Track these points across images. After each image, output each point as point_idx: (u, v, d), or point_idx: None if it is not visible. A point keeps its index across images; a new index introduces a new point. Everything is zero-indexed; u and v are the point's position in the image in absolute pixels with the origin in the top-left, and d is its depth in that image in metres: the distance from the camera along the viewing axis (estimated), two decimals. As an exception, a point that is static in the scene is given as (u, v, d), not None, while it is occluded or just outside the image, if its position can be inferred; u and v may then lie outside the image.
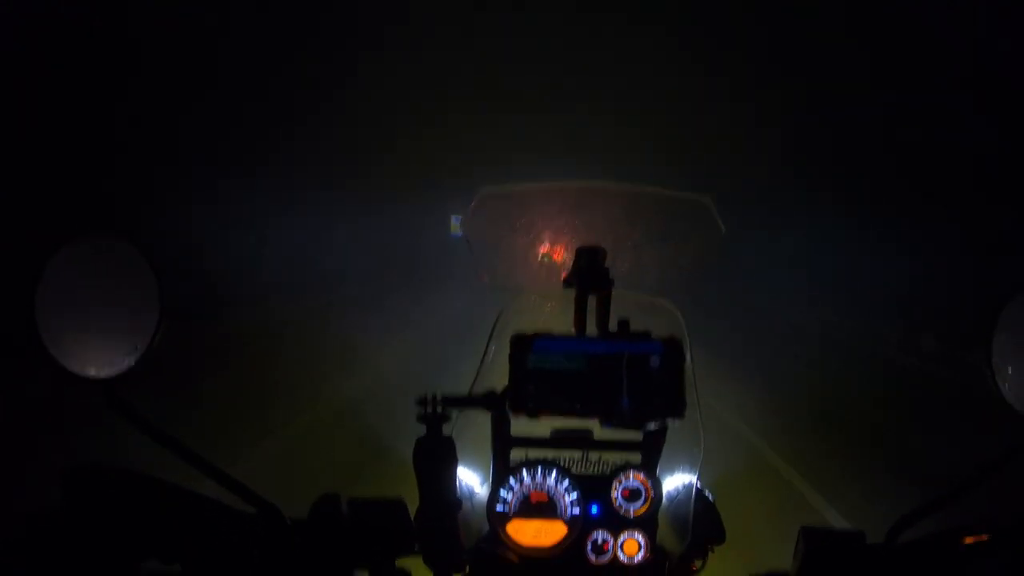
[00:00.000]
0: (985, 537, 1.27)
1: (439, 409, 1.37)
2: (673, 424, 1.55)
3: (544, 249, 1.58)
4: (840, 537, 1.34)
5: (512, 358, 1.43)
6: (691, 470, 1.59)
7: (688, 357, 1.45)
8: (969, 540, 1.28)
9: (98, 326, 1.33)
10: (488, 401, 1.44)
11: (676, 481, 1.60)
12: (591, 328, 1.52)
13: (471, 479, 1.63)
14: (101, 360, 1.31)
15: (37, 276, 1.29)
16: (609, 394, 1.42)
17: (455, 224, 26.49)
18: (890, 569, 1.28)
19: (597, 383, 1.42)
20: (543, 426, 1.55)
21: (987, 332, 1.30)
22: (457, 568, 1.34)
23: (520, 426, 1.54)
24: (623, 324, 1.47)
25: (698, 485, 1.58)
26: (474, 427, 1.56)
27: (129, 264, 1.33)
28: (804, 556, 1.32)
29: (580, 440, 1.56)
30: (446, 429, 1.35)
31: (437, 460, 1.32)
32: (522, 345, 1.43)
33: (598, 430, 1.56)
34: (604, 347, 1.44)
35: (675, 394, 1.43)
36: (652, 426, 1.51)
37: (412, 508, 1.33)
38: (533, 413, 1.43)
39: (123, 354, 1.31)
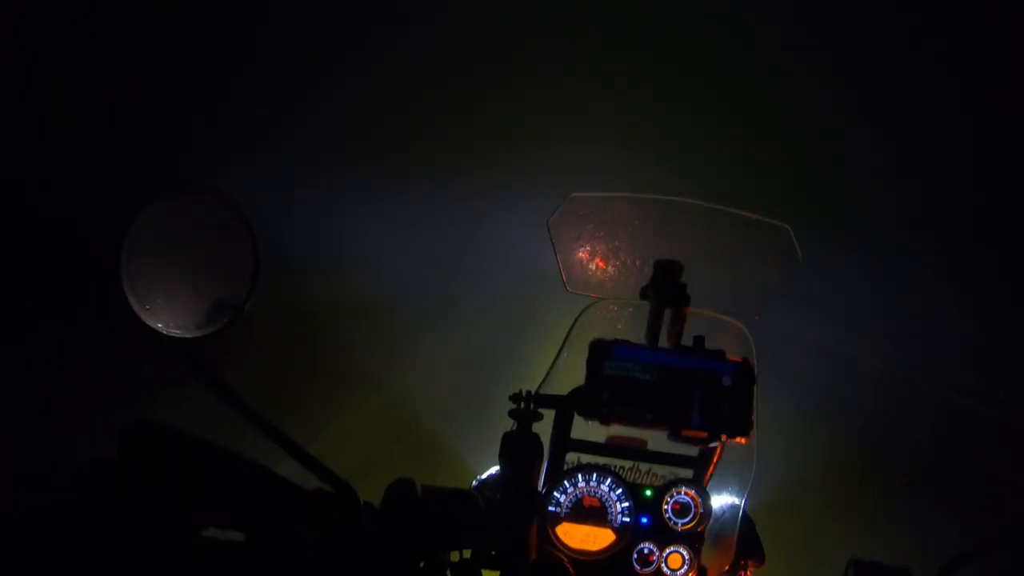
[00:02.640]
0: None
1: (532, 406, 1.37)
2: (729, 445, 1.57)
3: (624, 258, 1.59)
4: (888, 571, 1.37)
5: (590, 363, 1.44)
6: (739, 492, 1.61)
7: (757, 381, 1.48)
8: None
9: (186, 284, 1.30)
10: (578, 403, 1.45)
11: (722, 501, 1.62)
12: (663, 341, 1.54)
13: None
14: (183, 319, 1.28)
15: (126, 226, 1.27)
16: (680, 408, 1.44)
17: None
18: None
19: (669, 396, 1.44)
20: (598, 431, 1.56)
21: None
22: (525, 566, 1.35)
23: (577, 430, 1.55)
24: (698, 340, 1.49)
25: (744, 507, 1.61)
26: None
27: (225, 225, 1.30)
28: None
29: (634, 450, 1.58)
30: (536, 428, 1.36)
31: (525, 456, 1.33)
32: (601, 351, 1.44)
33: (652, 441, 1.58)
34: (679, 361, 1.46)
35: (743, 414, 1.45)
36: (712, 444, 1.53)
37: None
38: (606, 420, 1.44)
39: (209, 316, 1.29)
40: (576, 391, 1.46)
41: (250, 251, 1.29)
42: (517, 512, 1.31)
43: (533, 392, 1.41)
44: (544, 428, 1.55)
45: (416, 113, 3.46)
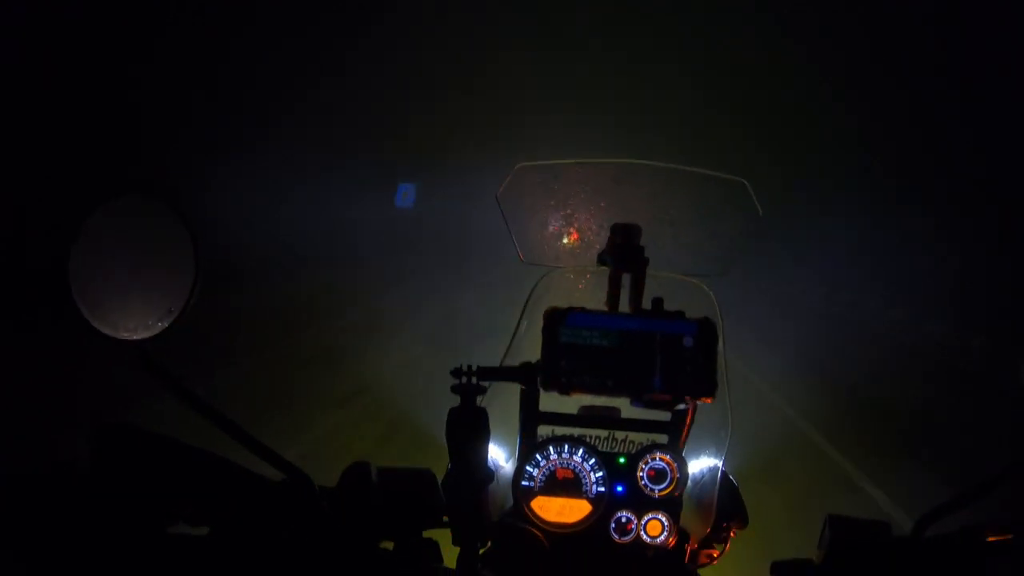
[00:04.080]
0: (1010, 536, 1.27)
1: (474, 380, 1.36)
2: (702, 407, 1.55)
3: (579, 225, 1.57)
4: (866, 527, 1.34)
5: (545, 332, 1.42)
6: (717, 454, 1.59)
7: (720, 340, 1.45)
8: (993, 538, 1.27)
9: (133, 287, 1.32)
10: (523, 373, 1.44)
11: (701, 464, 1.60)
12: (624, 306, 1.52)
13: (497, 454, 1.63)
14: (135, 322, 1.30)
15: (72, 236, 1.28)
16: (641, 372, 1.42)
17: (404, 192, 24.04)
18: (914, 561, 1.28)
19: (629, 361, 1.42)
20: (570, 403, 1.55)
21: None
22: (484, 542, 1.34)
23: (548, 402, 1.54)
24: (657, 303, 1.46)
25: (723, 469, 1.58)
26: (501, 402, 1.56)
27: (165, 225, 1.32)
28: (829, 544, 1.31)
29: (607, 419, 1.56)
30: (479, 401, 1.35)
31: (470, 431, 1.32)
32: (556, 319, 1.42)
33: (626, 409, 1.56)
34: (638, 325, 1.43)
35: (707, 375, 1.42)
36: (681, 407, 1.51)
37: (440, 479, 1.33)
38: (565, 390, 1.42)
39: (158, 316, 1.31)
40: (526, 365, 1.44)
41: (190, 248, 1.31)
42: (465, 487, 1.30)
43: (485, 367, 1.40)
44: (512, 403, 1.55)
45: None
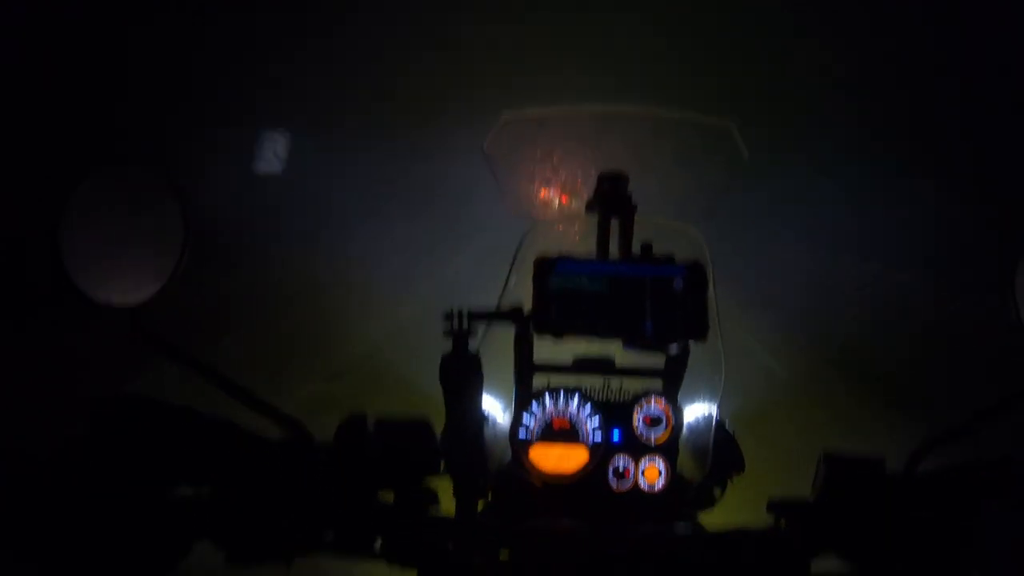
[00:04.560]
0: (1002, 469, 1.28)
1: (466, 324, 1.37)
2: (695, 351, 1.55)
3: (567, 175, 1.57)
4: (860, 463, 1.35)
5: (535, 280, 1.43)
6: (712, 399, 1.60)
7: (711, 284, 1.45)
8: (986, 472, 1.28)
9: (122, 254, 1.33)
10: (515, 316, 1.45)
11: (697, 410, 1.61)
12: (614, 253, 1.52)
13: (494, 407, 1.64)
14: (125, 288, 1.32)
15: (62, 206, 1.29)
16: (631, 316, 1.42)
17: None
18: (908, 496, 1.29)
19: (620, 305, 1.42)
20: (565, 353, 1.56)
21: (1010, 263, 1.29)
22: (481, 488, 1.36)
23: (542, 353, 1.55)
24: (646, 248, 1.47)
25: (718, 414, 1.59)
26: (496, 356, 1.57)
27: (153, 192, 1.33)
28: (824, 480, 1.33)
29: (602, 366, 1.57)
30: (472, 345, 1.36)
31: (463, 376, 1.33)
32: (545, 267, 1.42)
33: (620, 357, 1.57)
34: (627, 269, 1.44)
35: (698, 317, 1.43)
36: (673, 350, 1.51)
37: (439, 428, 1.34)
38: (557, 333, 1.43)
39: (147, 282, 1.32)
40: (518, 306, 1.45)
41: (178, 214, 1.32)
42: (461, 431, 1.32)
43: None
44: (507, 357, 1.56)
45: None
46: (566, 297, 1.42)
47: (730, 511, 1.63)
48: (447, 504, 1.32)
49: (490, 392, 1.63)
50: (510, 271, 1.53)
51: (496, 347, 1.56)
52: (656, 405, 1.53)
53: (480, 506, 1.43)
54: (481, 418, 1.33)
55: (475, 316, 1.38)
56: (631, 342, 1.45)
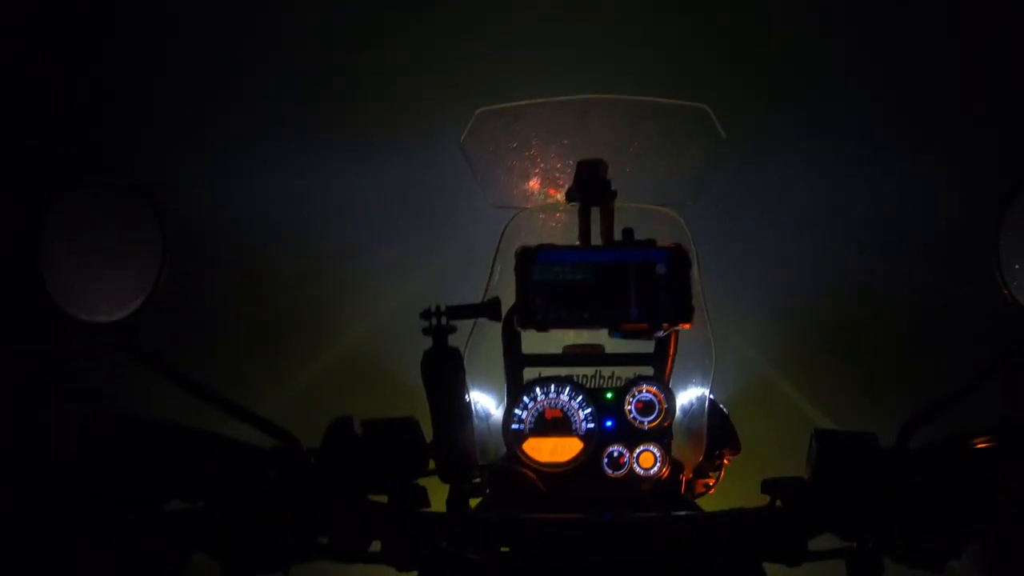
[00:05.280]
0: (995, 440, 1.28)
1: (444, 320, 1.36)
2: (684, 337, 1.56)
3: (545, 165, 1.57)
4: (852, 439, 1.35)
5: (518, 271, 1.42)
6: (704, 383, 1.60)
7: (695, 266, 1.45)
8: (979, 442, 1.28)
9: (103, 270, 1.33)
10: (491, 309, 1.44)
11: (690, 394, 1.61)
12: (596, 241, 1.52)
13: (486, 401, 1.64)
14: (107, 304, 1.31)
15: (41, 223, 1.29)
16: (616, 303, 1.42)
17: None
18: (902, 471, 1.30)
19: (604, 292, 1.42)
20: (555, 344, 1.56)
21: (994, 228, 1.28)
22: (472, 479, 1.36)
23: (532, 345, 1.55)
24: (627, 233, 1.46)
25: (711, 397, 1.59)
26: (485, 350, 1.57)
27: (131, 206, 1.33)
28: (817, 458, 1.33)
29: (592, 356, 1.57)
30: (452, 341, 1.35)
31: (445, 372, 1.32)
32: (527, 258, 1.42)
33: (609, 345, 1.57)
34: (609, 256, 1.44)
35: (682, 300, 1.43)
36: (661, 334, 1.51)
37: (426, 426, 1.34)
38: (543, 327, 1.43)
39: (130, 296, 1.31)
40: (494, 300, 1.45)
41: (157, 228, 1.32)
42: (446, 426, 1.31)
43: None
44: (496, 351, 1.56)
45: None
46: (549, 288, 1.42)
47: (729, 494, 1.64)
48: (442, 502, 1.31)
49: (481, 387, 1.63)
50: (493, 263, 1.53)
51: (484, 341, 1.56)
52: (648, 391, 1.54)
53: (477, 501, 1.43)
54: (467, 413, 1.33)
55: (453, 311, 1.38)
56: (617, 330, 1.45)
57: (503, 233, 1.54)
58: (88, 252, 1.33)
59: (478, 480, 1.39)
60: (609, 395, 1.54)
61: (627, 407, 1.53)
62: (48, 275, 1.27)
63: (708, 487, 1.64)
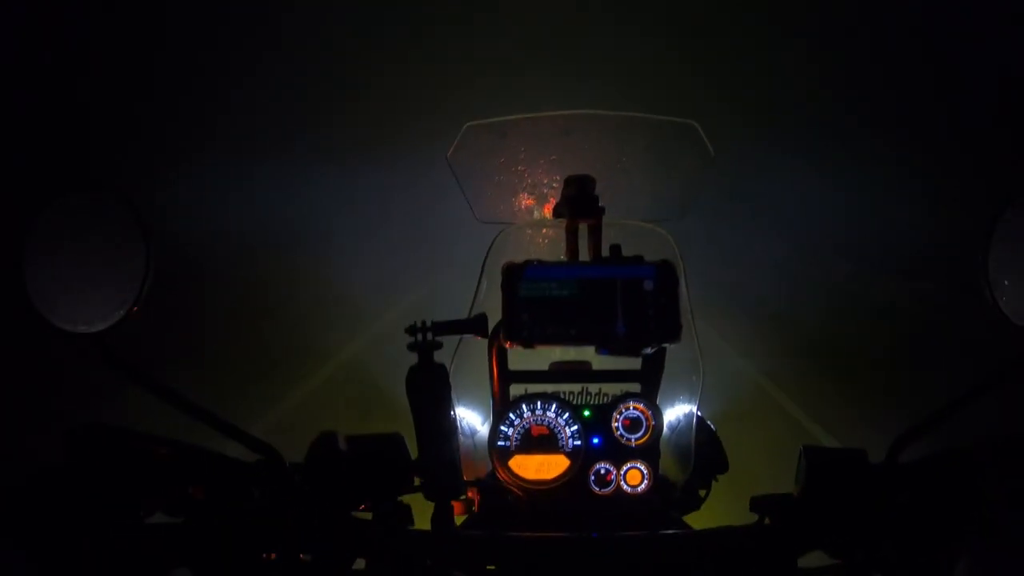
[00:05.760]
0: (984, 455, 1.27)
1: (429, 336, 1.35)
2: (671, 354, 1.55)
3: (533, 180, 1.56)
4: (841, 456, 1.34)
5: (504, 287, 1.41)
6: (691, 400, 1.59)
7: (683, 283, 1.44)
8: (968, 458, 1.28)
9: (87, 281, 1.32)
10: (477, 325, 1.43)
11: (677, 411, 1.60)
12: (583, 257, 1.51)
13: (472, 418, 1.63)
14: (91, 315, 1.30)
15: (24, 234, 1.28)
16: (604, 320, 1.40)
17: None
18: (892, 487, 1.29)
19: (591, 309, 1.41)
20: (541, 360, 1.55)
21: (983, 244, 1.28)
22: (457, 497, 1.34)
23: (518, 361, 1.54)
24: (615, 249, 1.45)
25: (699, 414, 1.58)
26: (472, 366, 1.56)
27: (116, 218, 1.32)
28: (806, 475, 1.32)
29: (578, 372, 1.56)
30: (438, 357, 1.34)
31: (431, 388, 1.31)
32: (514, 274, 1.41)
33: (596, 362, 1.56)
34: (596, 272, 1.42)
35: (670, 317, 1.41)
36: (648, 351, 1.50)
37: (411, 443, 1.32)
38: (529, 343, 1.42)
39: (113, 307, 1.30)
40: (480, 316, 1.44)
41: (140, 239, 1.31)
42: (431, 443, 1.30)
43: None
44: (483, 367, 1.55)
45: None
46: (536, 304, 1.41)
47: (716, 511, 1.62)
48: (427, 519, 1.30)
49: (468, 403, 1.62)
50: (480, 279, 1.52)
51: (471, 357, 1.55)
52: (635, 408, 1.52)
53: (463, 518, 1.41)
54: (453, 430, 1.32)
55: (439, 327, 1.37)
56: (604, 347, 1.44)
57: (490, 249, 1.54)
58: (72, 262, 1.32)
59: (464, 497, 1.37)
60: (596, 412, 1.53)
61: (614, 424, 1.52)
62: (32, 285, 1.27)
63: (696, 504, 1.63)
